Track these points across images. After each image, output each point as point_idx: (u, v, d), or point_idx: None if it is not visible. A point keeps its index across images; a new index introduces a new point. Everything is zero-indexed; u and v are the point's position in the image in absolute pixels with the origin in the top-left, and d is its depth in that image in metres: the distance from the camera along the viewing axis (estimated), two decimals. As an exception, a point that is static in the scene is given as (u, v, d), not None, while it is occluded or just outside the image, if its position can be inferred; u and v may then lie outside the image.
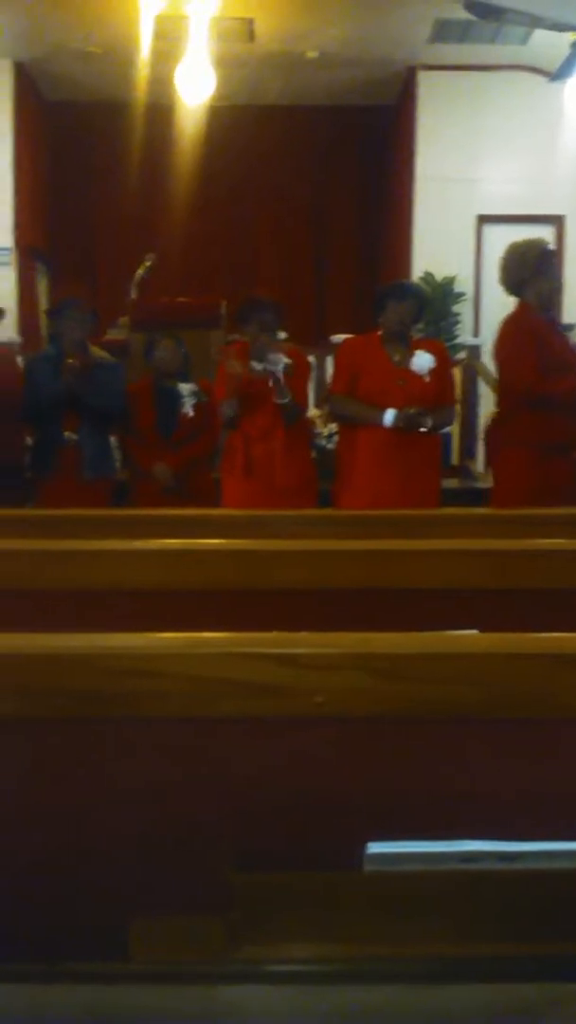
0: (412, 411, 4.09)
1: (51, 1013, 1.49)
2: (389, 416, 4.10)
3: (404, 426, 4.09)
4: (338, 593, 2.20)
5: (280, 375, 4.20)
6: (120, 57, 7.60)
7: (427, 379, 4.20)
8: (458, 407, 5.72)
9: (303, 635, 1.33)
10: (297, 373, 4.38)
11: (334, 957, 1.48)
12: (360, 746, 1.35)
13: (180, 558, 2.32)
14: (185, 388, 4.71)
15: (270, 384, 4.21)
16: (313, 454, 4.88)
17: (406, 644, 1.35)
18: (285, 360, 4.29)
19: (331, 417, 5.27)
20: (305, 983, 1.51)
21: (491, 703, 1.33)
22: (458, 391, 5.79)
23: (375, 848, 1.36)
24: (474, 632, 1.51)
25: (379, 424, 4.12)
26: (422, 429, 4.13)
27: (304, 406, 4.61)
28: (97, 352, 4.58)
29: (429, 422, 4.13)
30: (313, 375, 5.71)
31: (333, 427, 5.33)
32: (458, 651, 1.35)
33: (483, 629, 1.53)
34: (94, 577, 2.29)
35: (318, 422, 5.83)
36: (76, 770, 1.37)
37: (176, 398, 4.69)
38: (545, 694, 1.33)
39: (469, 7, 6.32)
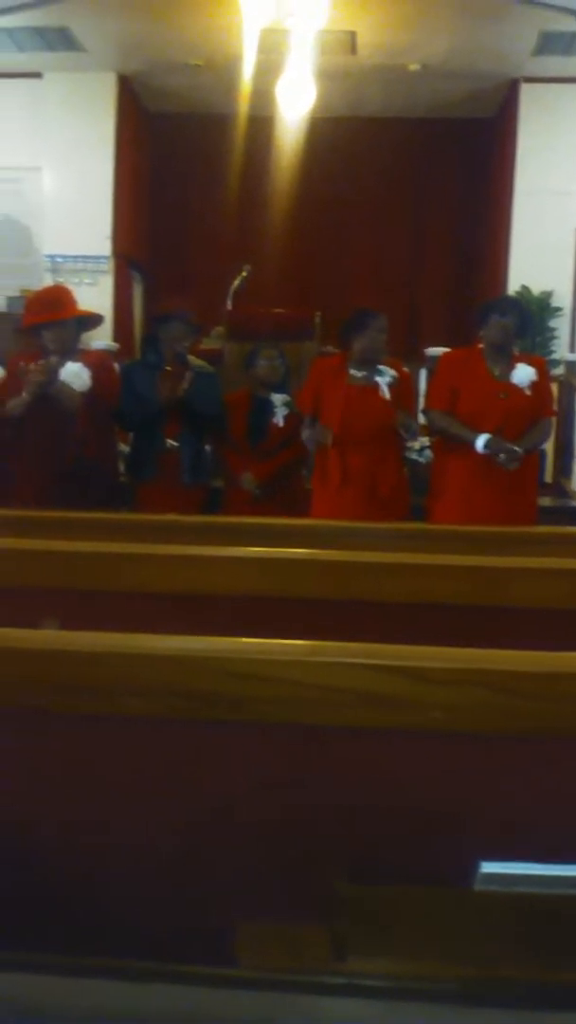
0: (506, 447, 4.04)
1: (155, 1012, 1.50)
2: (481, 442, 4.07)
3: (495, 458, 4.05)
4: (430, 608, 2.18)
5: (386, 388, 4.22)
6: (222, 69, 7.69)
7: (528, 392, 4.16)
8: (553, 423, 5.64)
9: (424, 649, 1.32)
10: (404, 387, 4.38)
11: (440, 975, 1.46)
12: (478, 762, 1.34)
13: (272, 566, 2.34)
14: (278, 398, 4.74)
15: (382, 395, 4.22)
16: (406, 469, 4.86)
17: (528, 662, 1.34)
18: (392, 372, 4.29)
19: (424, 430, 5.24)
20: (409, 1000, 1.49)
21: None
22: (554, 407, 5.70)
23: (488, 868, 1.34)
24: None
25: (472, 446, 4.09)
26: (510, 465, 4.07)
27: (413, 412, 4.60)
28: (195, 361, 4.63)
29: (516, 465, 4.07)
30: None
31: (425, 440, 5.30)
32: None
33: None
34: (185, 582, 2.32)
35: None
36: (191, 771, 1.38)
37: (269, 408, 4.73)
38: None
39: (578, 19, 6.23)
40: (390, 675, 1.28)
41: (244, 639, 1.37)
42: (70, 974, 1.57)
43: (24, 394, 4.00)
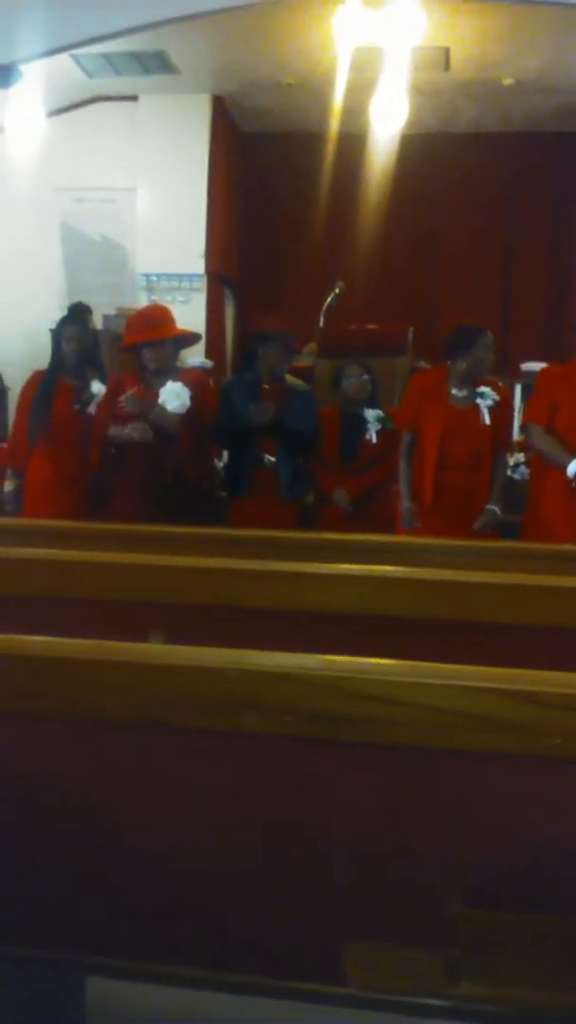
0: None
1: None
2: (572, 468, 4.01)
3: None
4: (524, 629, 2.16)
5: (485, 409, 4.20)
6: (314, 88, 7.75)
7: (630, 410, 4.09)
8: None
9: (543, 673, 1.31)
10: (503, 411, 4.34)
11: (554, 1004, 1.45)
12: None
13: (366, 584, 2.34)
14: (371, 415, 4.75)
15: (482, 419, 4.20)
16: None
17: None
18: (494, 396, 4.27)
19: (519, 446, 5.18)
20: (521, 1027, 1.47)
21: None
22: None
23: (606, 896, 1.32)
24: None
25: (563, 469, 4.04)
26: None
27: (508, 441, 4.55)
28: (291, 380, 4.68)
29: None
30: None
31: (520, 457, 5.25)
32: None
33: None
34: (281, 597, 2.33)
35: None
36: (304, 789, 1.39)
37: (361, 424, 4.73)
38: None
39: None
40: (505, 699, 1.27)
41: (361, 659, 1.38)
42: (179, 985, 1.59)
43: (129, 431, 4.08)
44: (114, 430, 4.16)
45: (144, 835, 1.45)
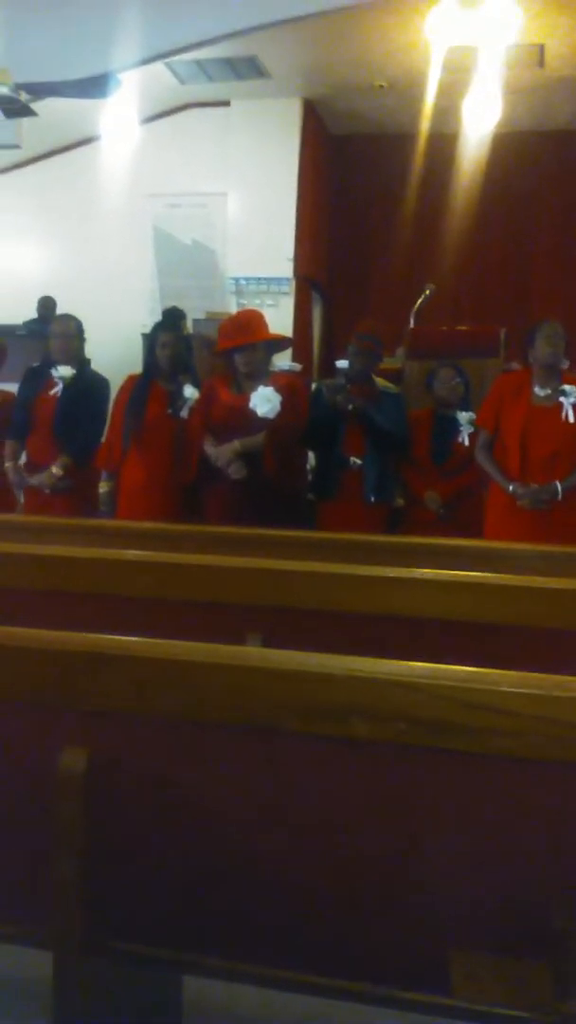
0: None
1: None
2: None
3: None
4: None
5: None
6: (405, 90, 7.72)
7: None
8: None
9: None
10: None
11: None
12: None
13: (447, 589, 2.31)
14: (464, 416, 4.70)
15: (565, 417, 4.11)
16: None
17: None
18: None
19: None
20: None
21: None
22: None
23: None
24: None
25: None
26: None
27: None
28: (381, 382, 4.66)
29: None
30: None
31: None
32: None
33: None
34: (356, 602, 2.32)
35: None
36: (413, 797, 1.38)
37: (454, 427, 4.69)
38: None
39: None
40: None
41: (471, 668, 1.36)
42: (277, 987, 1.59)
43: (231, 470, 4.13)
44: (210, 450, 4.20)
45: (247, 837, 1.45)
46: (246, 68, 7.71)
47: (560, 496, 4.12)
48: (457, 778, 1.35)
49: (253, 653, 1.41)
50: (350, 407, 4.40)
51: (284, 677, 1.32)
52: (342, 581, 2.43)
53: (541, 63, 7.29)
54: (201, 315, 7.83)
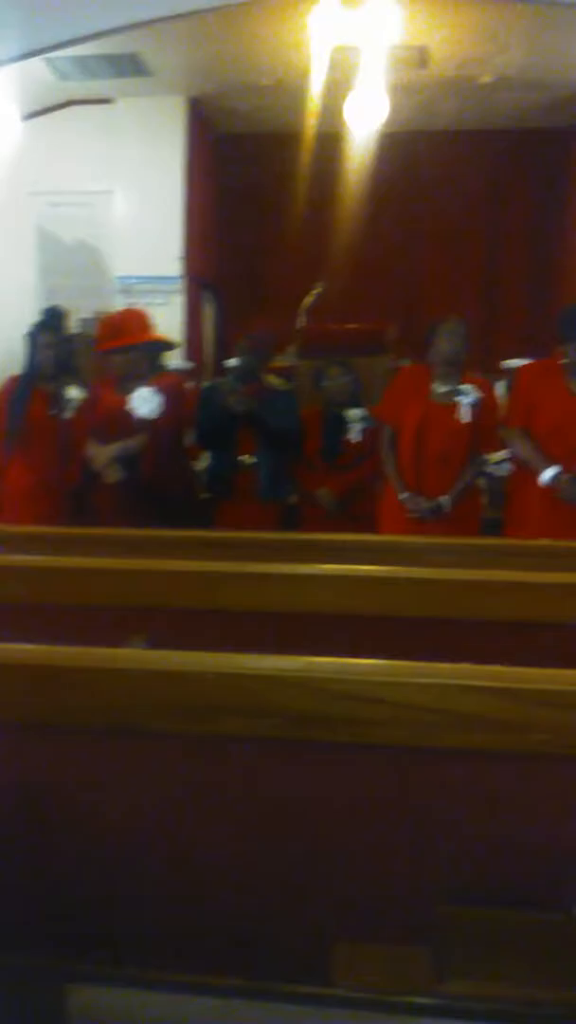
0: (573, 483, 3.95)
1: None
2: (547, 475, 3.99)
3: (561, 494, 3.97)
4: (504, 625, 2.15)
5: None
6: (292, 88, 7.72)
7: (610, 412, 4.05)
8: None
9: (526, 670, 1.30)
10: (486, 410, 4.30)
11: (540, 999, 1.44)
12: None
13: (346, 583, 2.33)
14: (354, 414, 4.75)
15: (460, 417, 4.19)
16: (482, 481, 4.80)
17: None
18: (476, 394, 4.25)
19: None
20: (510, 1022, 1.47)
21: None
22: None
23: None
24: None
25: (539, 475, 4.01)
26: None
27: (493, 444, 4.41)
28: (271, 380, 4.67)
29: None
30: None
31: (502, 454, 5.24)
32: None
33: None
34: (263, 599, 2.32)
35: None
36: (293, 792, 1.38)
37: (343, 424, 4.74)
38: None
39: None
40: (489, 696, 1.27)
41: (342, 659, 1.37)
42: (166, 990, 1.58)
43: (106, 473, 4.14)
44: (89, 452, 4.17)
45: (124, 840, 1.43)
46: (128, 66, 7.62)
47: (447, 510, 4.20)
48: (328, 769, 1.35)
49: (122, 655, 1.40)
50: (240, 408, 4.40)
51: (149, 677, 1.30)
52: (230, 580, 2.42)
53: (424, 64, 7.39)
54: (89, 315, 7.71)
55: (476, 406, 4.23)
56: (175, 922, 1.48)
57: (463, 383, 4.27)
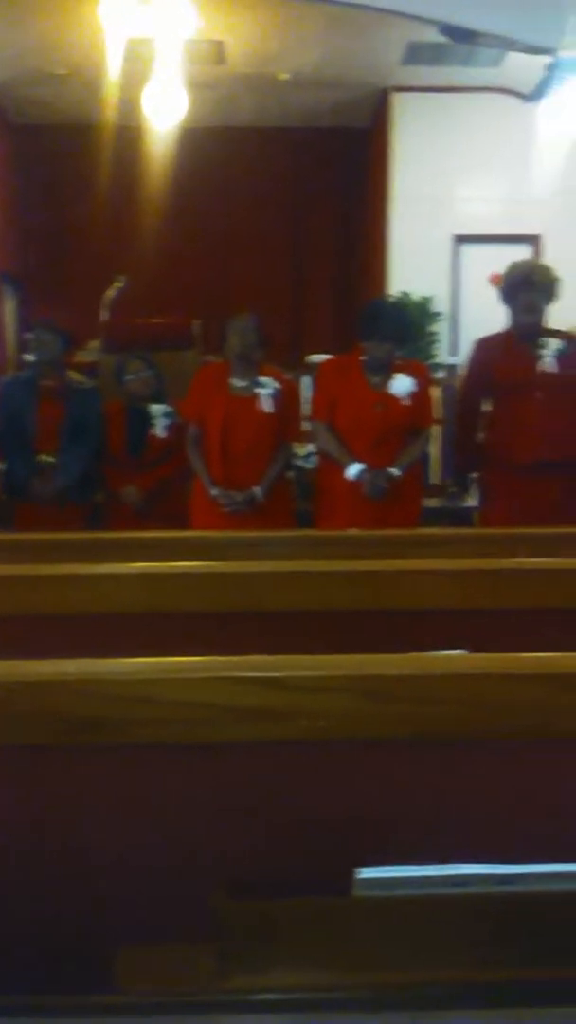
0: (376, 478, 4.07)
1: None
2: (352, 471, 4.09)
3: (366, 490, 4.07)
4: (322, 615, 2.18)
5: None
6: (88, 79, 7.60)
7: (406, 403, 4.18)
8: (439, 427, 5.75)
9: (290, 658, 1.31)
10: (287, 399, 4.36)
11: (326, 985, 1.46)
12: (351, 769, 1.34)
13: (158, 581, 2.30)
14: (157, 409, 4.70)
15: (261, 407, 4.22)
16: (291, 474, 4.87)
17: (397, 665, 1.34)
18: (275, 384, 4.29)
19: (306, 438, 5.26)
20: (298, 1011, 1.48)
21: (484, 724, 1.32)
22: (438, 411, 5.80)
23: (365, 873, 1.34)
24: (464, 652, 1.50)
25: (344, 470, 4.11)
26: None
27: (297, 432, 4.56)
28: (73, 376, 4.57)
29: (382, 489, 4.09)
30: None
31: (311, 447, 5.33)
32: (451, 672, 1.34)
33: (472, 649, 1.52)
34: (65, 602, 2.26)
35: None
36: (66, 798, 1.34)
37: (147, 420, 4.68)
38: (537, 714, 1.32)
39: (444, 31, 6.36)
40: (254, 687, 1.27)
41: (117, 660, 1.34)
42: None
43: None
44: None
45: None
46: None
47: (260, 500, 4.23)
48: (105, 772, 1.33)
49: None
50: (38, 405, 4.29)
51: None
52: (29, 582, 2.34)
53: (221, 60, 7.42)
54: None
55: (276, 396, 4.28)
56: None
57: (261, 376, 4.32)
